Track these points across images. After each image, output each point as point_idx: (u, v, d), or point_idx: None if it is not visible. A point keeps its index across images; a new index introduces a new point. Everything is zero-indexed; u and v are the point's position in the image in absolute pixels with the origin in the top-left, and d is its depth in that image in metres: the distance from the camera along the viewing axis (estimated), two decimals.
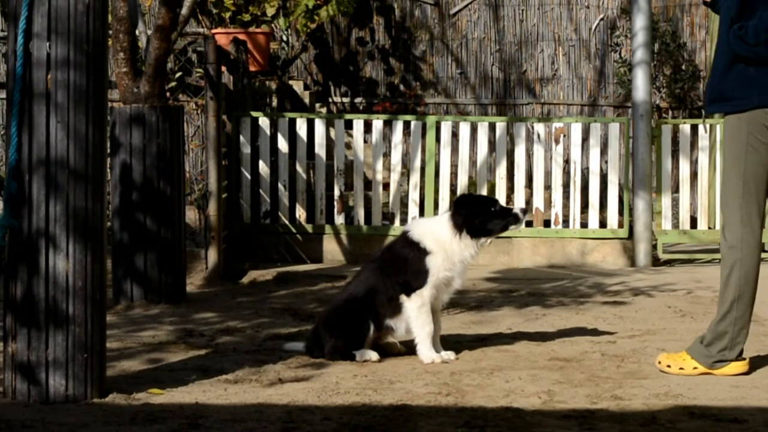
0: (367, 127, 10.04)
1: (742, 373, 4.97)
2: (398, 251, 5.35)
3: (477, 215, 5.29)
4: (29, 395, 4.44)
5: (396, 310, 5.33)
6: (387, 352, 5.46)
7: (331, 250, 9.20)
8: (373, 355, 5.32)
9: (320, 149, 9.25)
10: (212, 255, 8.26)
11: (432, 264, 5.28)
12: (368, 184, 9.74)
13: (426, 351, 5.30)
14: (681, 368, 5.01)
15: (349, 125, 9.78)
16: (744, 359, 5.01)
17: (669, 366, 5.03)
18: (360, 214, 9.22)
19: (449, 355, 5.37)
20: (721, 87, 4.96)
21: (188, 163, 9.85)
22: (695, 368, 4.99)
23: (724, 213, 5.02)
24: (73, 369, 4.44)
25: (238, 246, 9.08)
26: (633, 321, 6.46)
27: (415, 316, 5.29)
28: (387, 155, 10.69)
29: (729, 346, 4.95)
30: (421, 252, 5.29)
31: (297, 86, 11.42)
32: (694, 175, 9.54)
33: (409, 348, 5.45)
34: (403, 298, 5.30)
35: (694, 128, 9.45)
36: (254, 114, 9.30)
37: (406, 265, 5.30)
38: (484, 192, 9.19)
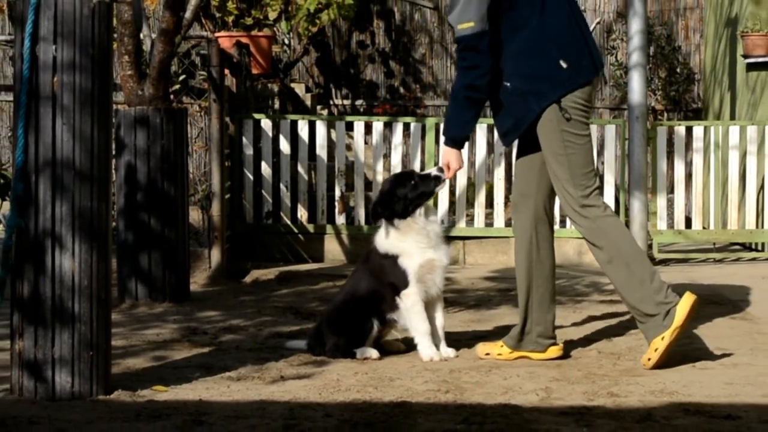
0: (368, 129, 10.08)
1: (693, 305, 5.00)
2: (377, 261, 5.42)
3: (397, 199, 5.33)
4: (36, 392, 4.45)
5: (393, 305, 5.37)
6: (387, 350, 5.49)
7: (332, 250, 9.23)
8: (374, 353, 5.36)
9: (321, 150, 9.29)
10: (215, 255, 8.29)
11: (405, 264, 5.33)
12: (369, 184, 9.77)
13: (425, 349, 5.33)
14: (655, 349, 5.03)
15: (349, 127, 9.82)
16: (682, 294, 5.05)
17: (650, 359, 5.05)
18: (361, 214, 9.25)
19: (450, 352, 5.40)
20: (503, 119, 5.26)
21: (192, 165, 9.85)
22: (663, 338, 5.01)
23: (566, 211, 5.25)
24: (79, 366, 4.46)
25: (240, 246, 9.11)
26: (629, 319, 6.40)
27: (408, 316, 5.33)
28: (387, 156, 10.72)
29: (659, 301, 5.01)
30: (391, 258, 5.35)
31: (299, 89, 11.43)
32: (689, 176, 9.58)
33: (409, 346, 5.48)
34: (396, 298, 5.36)
35: (689, 130, 9.49)
36: (257, 116, 9.33)
37: (386, 271, 5.37)
38: (483, 194, 9.23)
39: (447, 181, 5.49)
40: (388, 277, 5.36)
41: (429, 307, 5.42)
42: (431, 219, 5.43)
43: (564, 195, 5.17)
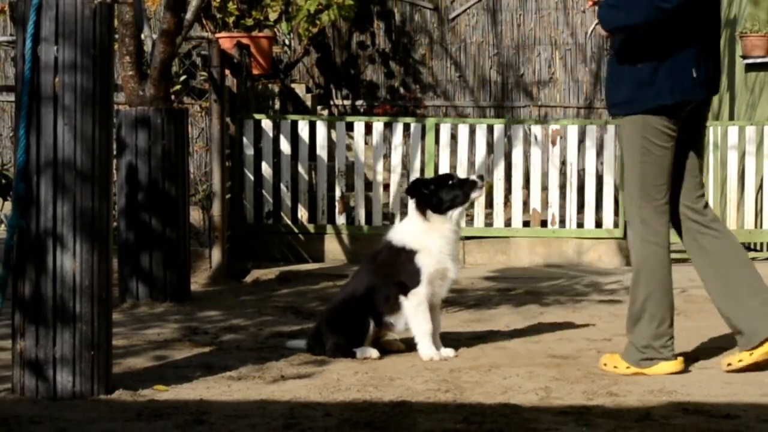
0: (368, 129, 10.08)
1: (676, 372, 4.93)
2: (389, 257, 5.42)
3: (434, 193, 5.35)
4: (37, 391, 4.47)
5: (394, 307, 5.38)
6: (387, 349, 5.50)
7: (333, 250, 9.24)
8: (373, 353, 5.36)
9: (322, 151, 9.30)
10: (216, 254, 8.30)
11: (422, 262, 5.33)
12: (369, 184, 9.77)
13: (426, 349, 5.35)
14: (615, 367, 5.02)
15: (350, 127, 9.82)
16: (676, 358, 4.98)
17: (605, 365, 5.07)
18: (361, 214, 9.26)
19: (449, 352, 5.41)
20: (617, 89, 4.99)
21: (192, 165, 9.86)
22: (628, 368, 5.00)
23: (626, 214, 5.11)
24: (80, 366, 4.47)
25: (241, 246, 9.11)
26: None
27: (413, 314, 5.34)
28: (387, 156, 10.72)
29: (651, 344, 4.95)
30: (408, 253, 5.35)
31: (299, 89, 11.45)
32: None
33: (408, 345, 5.49)
34: (401, 298, 5.36)
35: None
36: (257, 116, 9.34)
37: (399, 268, 5.36)
38: (483, 193, 9.26)
39: (483, 190, 5.49)
40: (399, 275, 5.36)
41: (430, 310, 5.42)
42: (459, 228, 5.44)
43: (628, 199, 5.06)
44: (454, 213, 5.37)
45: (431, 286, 5.37)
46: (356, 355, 5.35)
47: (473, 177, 5.44)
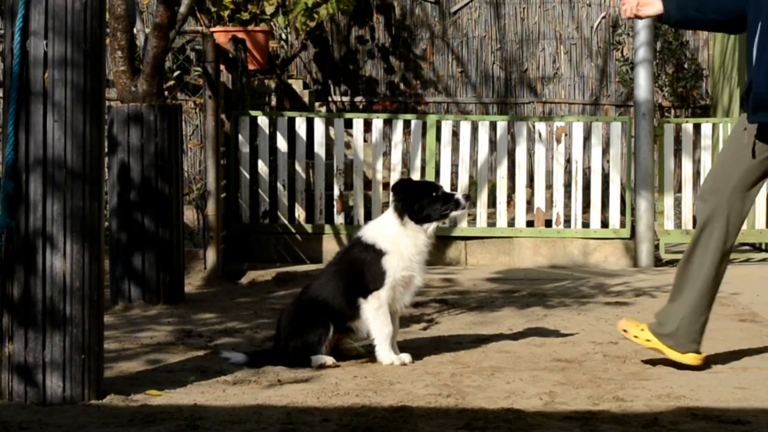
0: (367, 126, 10.05)
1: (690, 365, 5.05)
2: (355, 255, 5.33)
3: (417, 199, 5.27)
4: (26, 397, 4.45)
5: (357, 312, 5.29)
6: (346, 355, 5.39)
7: (331, 251, 9.18)
8: (329, 360, 5.24)
9: (320, 148, 9.26)
10: (211, 255, 8.27)
11: (388, 265, 5.25)
12: (368, 183, 9.75)
13: (385, 353, 5.27)
14: (635, 336, 5.12)
15: (348, 124, 9.79)
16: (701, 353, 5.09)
17: (625, 330, 5.17)
18: (360, 213, 9.23)
19: (406, 357, 5.31)
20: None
21: (186, 163, 9.87)
22: (648, 341, 5.10)
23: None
24: (71, 370, 4.45)
25: (236, 246, 9.10)
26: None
27: (372, 318, 5.25)
28: (387, 154, 10.69)
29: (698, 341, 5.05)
30: (377, 254, 5.26)
31: (296, 85, 11.44)
32: (696, 175, 9.54)
33: (368, 351, 5.42)
34: (360, 300, 5.26)
35: (697, 127, 9.46)
36: (253, 113, 9.32)
37: (364, 267, 5.27)
38: (485, 193, 9.20)
39: (465, 210, 5.38)
40: (364, 275, 5.26)
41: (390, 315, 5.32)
42: (431, 242, 5.35)
43: None
44: (430, 227, 5.30)
45: (393, 291, 5.28)
46: (311, 363, 5.20)
47: (458, 195, 5.35)
